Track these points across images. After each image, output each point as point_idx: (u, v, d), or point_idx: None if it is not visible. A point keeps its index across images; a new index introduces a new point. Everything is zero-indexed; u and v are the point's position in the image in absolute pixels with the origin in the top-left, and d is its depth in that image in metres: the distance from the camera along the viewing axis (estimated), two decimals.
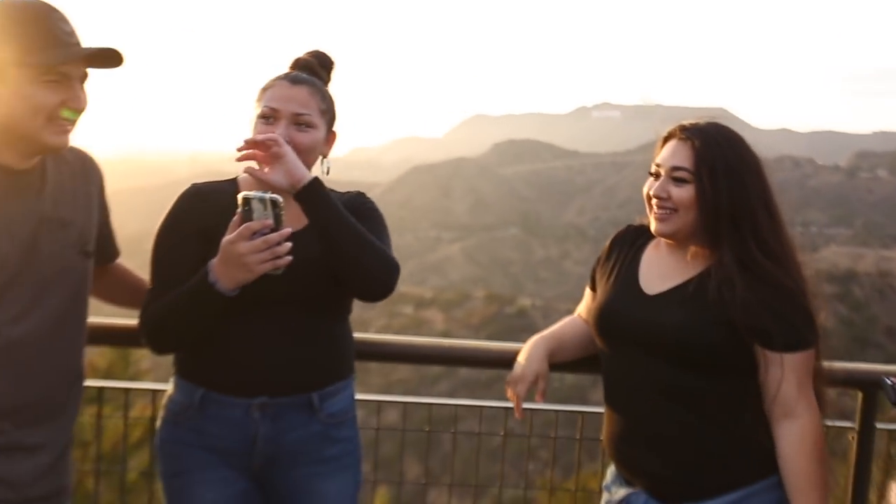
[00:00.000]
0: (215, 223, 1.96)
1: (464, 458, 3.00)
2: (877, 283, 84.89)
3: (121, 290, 2.34)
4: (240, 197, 1.80)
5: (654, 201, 1.97)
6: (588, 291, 2.25)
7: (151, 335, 2.05)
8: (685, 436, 1.92)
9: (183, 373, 2.10)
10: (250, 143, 1.91)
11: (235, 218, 1.81)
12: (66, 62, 1.73)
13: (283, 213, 1.79)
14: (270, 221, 1.77)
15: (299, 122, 1.99)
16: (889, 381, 1.91)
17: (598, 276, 2.19)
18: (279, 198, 1.79)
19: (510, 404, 2.22)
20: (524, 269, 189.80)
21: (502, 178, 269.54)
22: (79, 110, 1.79)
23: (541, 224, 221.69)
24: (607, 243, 2.22)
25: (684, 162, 1.92)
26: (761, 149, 1.98)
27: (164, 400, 2.17)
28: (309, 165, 2.03)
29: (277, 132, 1.95)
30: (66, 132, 1.80)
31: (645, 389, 1.96)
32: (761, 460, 1.91)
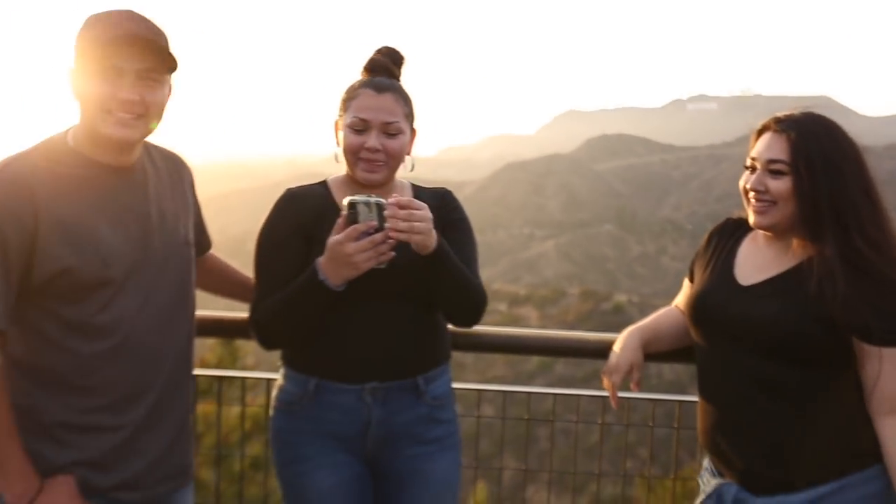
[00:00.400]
0: (312, 223, 2.10)
1: (560, 455, 3.01)
2: None
3: (219, 279, 2.49)
4: (346, 201, 1.89)
5: (751, 194, 1.95)
6: (686, 283, 2.24)
7: (263, 331, 2.13)
8: (778, 428, 1.90)
9: (294, 365, 2.19)
10: (395, 205, 1.89)
11: (341, 220, 1.90)
12: (102, 49, 1.78)
13: (385, 213, 1.87)
14: (375, 223, 1.87)
15: (389, 130, 2.07)
16: None
17: (696, 268, 2.18)
18: (383, 200, 1.88)
19: (607, 394, 2.25)
20: (620, 266, 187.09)
21: (596, 174, 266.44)
22: (127, 102, 1.82)
23: (636, 220, 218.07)
24: (706, 236, 2.21)
25: (780, 154, 1.90)
26: (871, 137, 1.92)
27: (274, 391, 2.28)
28: (398, 166, 2.14)
29: (369, 142, 2.04)
30: (125, 125, 1.83)
31: (737, 380, 1.95)
32: (857, 453, 1.87)
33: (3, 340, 1.86)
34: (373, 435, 2.16)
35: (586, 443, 3.23)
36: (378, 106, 2.06)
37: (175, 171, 2.15)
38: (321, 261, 1.96)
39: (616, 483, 3.19)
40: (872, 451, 1.86)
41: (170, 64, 1.88)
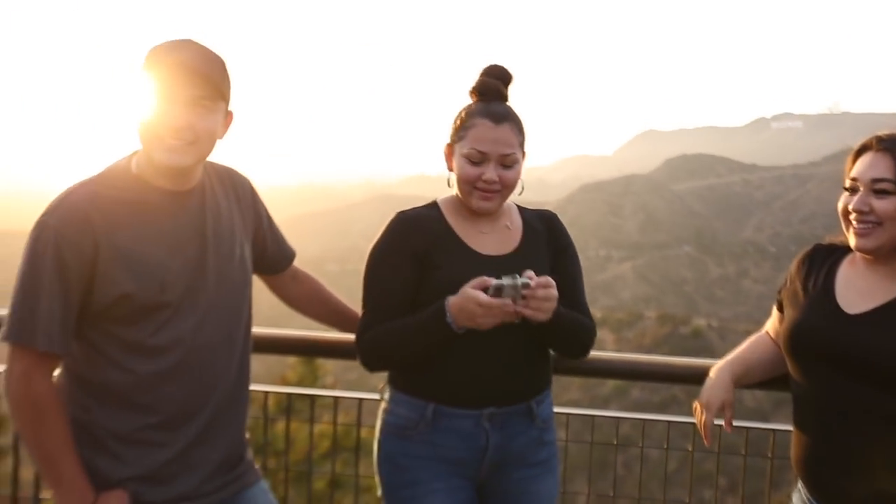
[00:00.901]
0: (425, 248, 2.13)
1: (635, 481, 2.96)
2: None
3: (312, 300, 2.52)
4: (494, 283, 1.91)
5: (853, 216, 1.90)
6: (775, 312, 2.20)
7: (373, 356, 2.18)
8: (894, 459, 1.86)
9: (408, 389, 2.20)
10: (537, 287, 1.95)
11: (490, 290, 1.92)
12: (153, 75, 1.86)
13: (525, 292, 1.93)
14: (510, 303, 1.92)
15: (506, 162, 2.07)
16: None
17: (785, 297, 2.13)
18: (530, 282, 1.92)
19: (695, 419, 2.23)
20: (699, 288, 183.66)
21: (675, 195, 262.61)
22: (175, 128, 1.85)
23: (716, 241, 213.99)
24: (796, 262, 2.17)
25: (886, 173, 1.85)
26: None
27: (382, 415, 2.28)
28: (510, 194, 2.16)
29: (487, 175, 2.05)
30: (177, 151, 1.88)
31: (848, 412, 1.90)
32: None
33: (58, 362, 1.95)
34: (489, 459, 2.18)
35: (662, 470, 3.15)
36: (496, 138, 2.06)
37: (233, 188, 2.19)
38: (451, 302, 2.00)
39: None
40: None
41: (221, 91, 1.93)
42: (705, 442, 2.23)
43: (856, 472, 1.89)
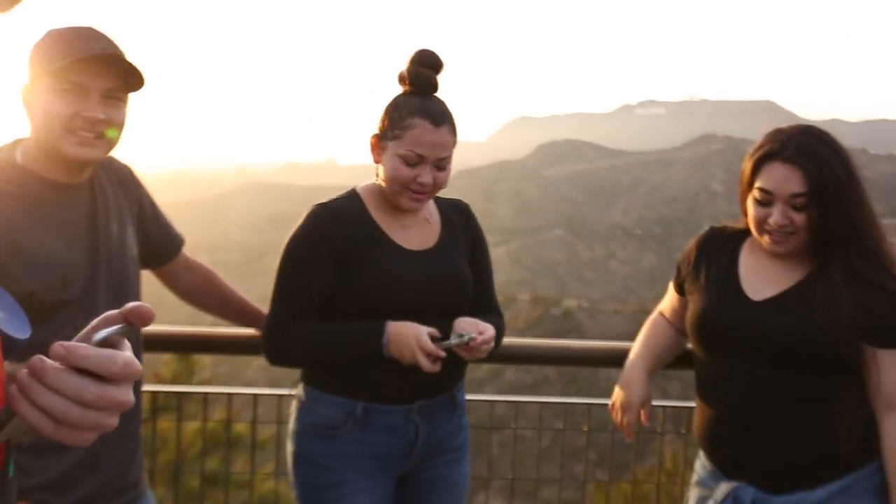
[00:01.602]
0: (347, 244, 2.07)
1: (509, 461, 3.02)
2: None
3: (208, 294, 2.45)
4: (443, 345, 1.97)
5: (771, 227, 1.98)
6: (673, 294, 2.31)
7: (288, 354, 2.17)
8: (797, 432, 1.99)
9: (333, 389, 2.16)
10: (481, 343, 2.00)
11: (441, 345, 1.97)
12: (70, 66, 1.76)
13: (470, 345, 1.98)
14: (444, 354, 1.97)
15: (441, 164, 2.06)
16: None
17: (686, 279, 2.23)
18: (475, 338, 1.97)
19: (593, 400, 2.43)
20: (569, 271, 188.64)
21: (546, 180, 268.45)
22: (92, 121, 1.80)
23: (586, 225, 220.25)
24: (692, 246, 2.26)
25: (801, 188, 1.93)
26: None
27: (298, 414, 2.23)
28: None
29: (422, 178, 2.01)
30: (90, 144, 1.82)
31: (755, 390, 2.02)
32: (864, 449, 1.99)
33: None
34: (418, 451, 2.20)
35: (535, 448, 3.23)
36: (435, 141, 2.02)
37: (116, 176, 2.12)
38: (391, 330, 2.00)
39: (567, 488, 3.20)
40: (874, 448, 1.98)
41: (135, 83, 1.88)
42: (628, 439, 2.35)
43: (764, 444, 2.01)
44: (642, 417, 2.28)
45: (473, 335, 1.96)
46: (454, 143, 2.10)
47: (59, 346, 0.83)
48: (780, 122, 2.04)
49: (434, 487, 2.26)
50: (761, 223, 2.00)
